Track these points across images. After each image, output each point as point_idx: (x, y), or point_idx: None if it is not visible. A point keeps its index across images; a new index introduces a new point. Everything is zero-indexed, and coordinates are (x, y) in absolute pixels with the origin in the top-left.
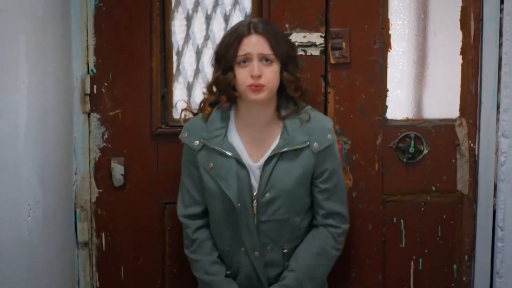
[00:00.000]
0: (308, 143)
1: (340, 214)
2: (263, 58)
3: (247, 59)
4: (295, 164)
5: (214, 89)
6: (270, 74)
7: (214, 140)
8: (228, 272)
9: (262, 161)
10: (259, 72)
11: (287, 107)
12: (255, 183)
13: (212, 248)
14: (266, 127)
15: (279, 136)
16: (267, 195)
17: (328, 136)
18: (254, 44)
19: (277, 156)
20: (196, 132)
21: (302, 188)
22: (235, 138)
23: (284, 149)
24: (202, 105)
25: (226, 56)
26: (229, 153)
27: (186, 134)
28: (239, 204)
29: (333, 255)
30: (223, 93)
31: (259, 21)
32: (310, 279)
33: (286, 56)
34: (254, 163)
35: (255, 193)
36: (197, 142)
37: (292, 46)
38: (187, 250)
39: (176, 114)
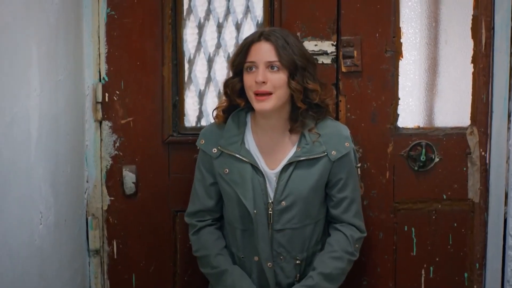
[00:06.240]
0: (326, 153)
1: (355, 226)
2: (270, 66)
3: (254, 66)
4: (312, 171)
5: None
6: (276, 80)
7: (232, 147)
8: None
9: (278, 168)
10: (263, 78)
11: (297, 119)
12: (270, 191)
13: (215, 243)
14: (282, 135)
15: (296, 144)
16: (283, 203)
17: (346, 144)
18: (261, 51)
19: (294, 164)
20: (213, 139)
21: (317, 195)
22: (252, 145)
23: (302, 158)
24: (215, 111)
25: (236, 61)
26: (246, 159)
27: (203, 141)
28: (255, 211)
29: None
30: (231, 97)
31: (273, 29)
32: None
33: (293, 64)
34: (270, 170)
35: (270, 201)
36: (215, 149)
37: (305, 56)
38: (194, 251)
39: (188, 122)
